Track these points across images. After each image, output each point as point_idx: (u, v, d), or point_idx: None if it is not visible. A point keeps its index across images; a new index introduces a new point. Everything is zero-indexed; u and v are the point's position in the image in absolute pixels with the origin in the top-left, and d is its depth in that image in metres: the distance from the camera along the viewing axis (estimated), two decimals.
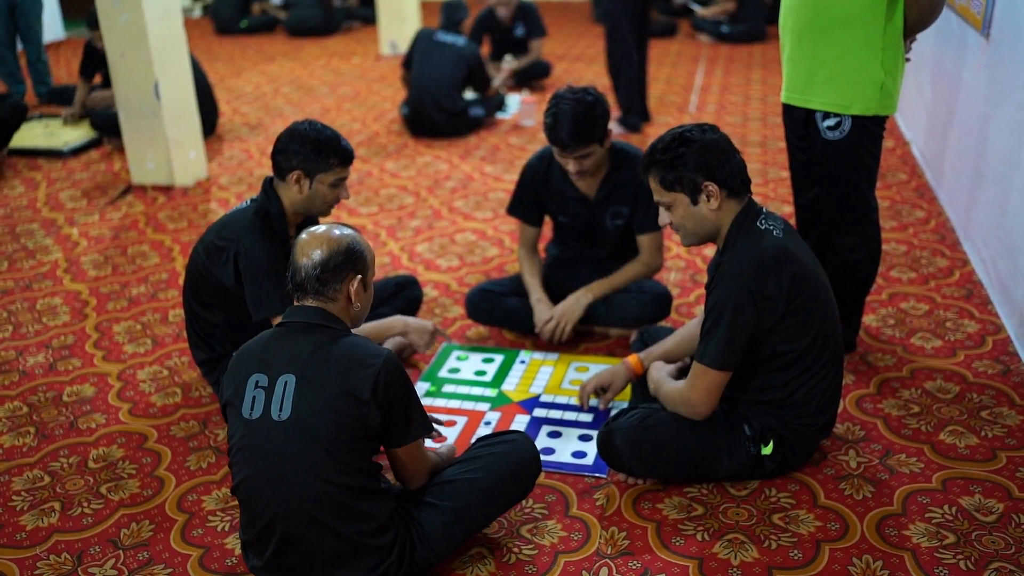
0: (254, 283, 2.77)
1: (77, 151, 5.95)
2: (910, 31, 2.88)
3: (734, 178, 2.44)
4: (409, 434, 2.18)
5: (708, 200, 2.44)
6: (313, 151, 2.77)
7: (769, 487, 2.58)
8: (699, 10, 8.98)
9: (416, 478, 2.28)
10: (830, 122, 2.94)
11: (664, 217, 2.55)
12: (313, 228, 2.20)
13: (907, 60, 3.00)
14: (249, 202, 2.90)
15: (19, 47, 7.22)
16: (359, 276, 2.18)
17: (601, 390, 2.93)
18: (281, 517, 2.07)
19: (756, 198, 4.62)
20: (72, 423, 3.02)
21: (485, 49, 7.43)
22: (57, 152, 5.89)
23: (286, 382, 2.07)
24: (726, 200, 2.45)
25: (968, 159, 4.04)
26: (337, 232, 2.18)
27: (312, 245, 2.14)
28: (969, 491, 2.53)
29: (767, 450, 2.54)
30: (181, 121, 5.18)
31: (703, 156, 2.41)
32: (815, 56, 2.93)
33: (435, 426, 2.54)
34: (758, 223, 2.46)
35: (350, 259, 2.16)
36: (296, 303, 2.18)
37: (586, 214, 3.38)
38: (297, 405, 2.06)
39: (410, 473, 2.27)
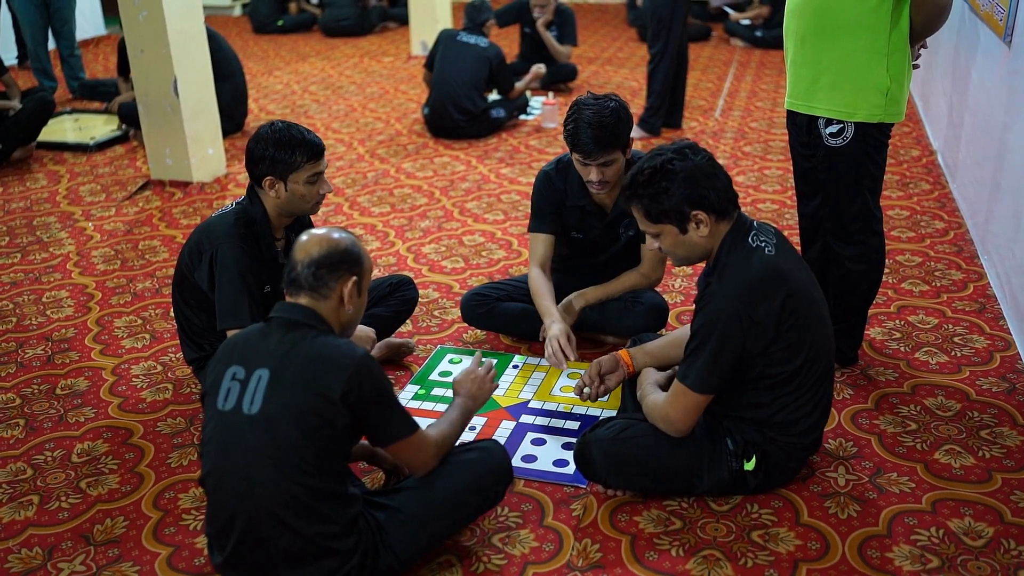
0: (221, 293, 2.77)
1: (103, 145, 6.01)
2: (916, 36, 2.79)
3: (721, 201, 2.35)
4: (390, 435, 2.18)
5: (698, 227, 2.35)
6: (277, 152, 2.75)
7: (752, 503, 2.51)
8: (733, 14, 8.87)
9: (419, 468, 2.28)
10: (833, 128, 2.86)
11: (652, 243, 2.48)
12: (313, 230, 2.23)
13: (915, 67, 2.92)
14: (233, 204, 2.89)
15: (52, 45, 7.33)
16: (354, 278, 2.18)
17: (600, 377, 2.76)
18: (243, 511, 2.06)
19: (773, 206, 4.65)
20: (62, 416, 3.04)
21: (513, 46, 7.38)
22: (84, 146, 5.96)
23: (260, 376, 2.07)
24: (715, 224, 2.36)
25: (988, 170, 3.92)
26: (336, 235, 2.20)
27: (311, 243, 2.17)
28: (959, 513, 2.44)
29: (749, 465, 2.47)
30: (200, 118, 5.21)
31: (688, 186, 2.31)
32: (818, 61, 2.85)
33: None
34: (749, 239, 2.37)
35: (347, 259, 2.17)
36: (289, 299, 2.18)
37: (601, 229, 3.25)
38: (267, 400, 2.05)
39: (412, 465, 2.28)
